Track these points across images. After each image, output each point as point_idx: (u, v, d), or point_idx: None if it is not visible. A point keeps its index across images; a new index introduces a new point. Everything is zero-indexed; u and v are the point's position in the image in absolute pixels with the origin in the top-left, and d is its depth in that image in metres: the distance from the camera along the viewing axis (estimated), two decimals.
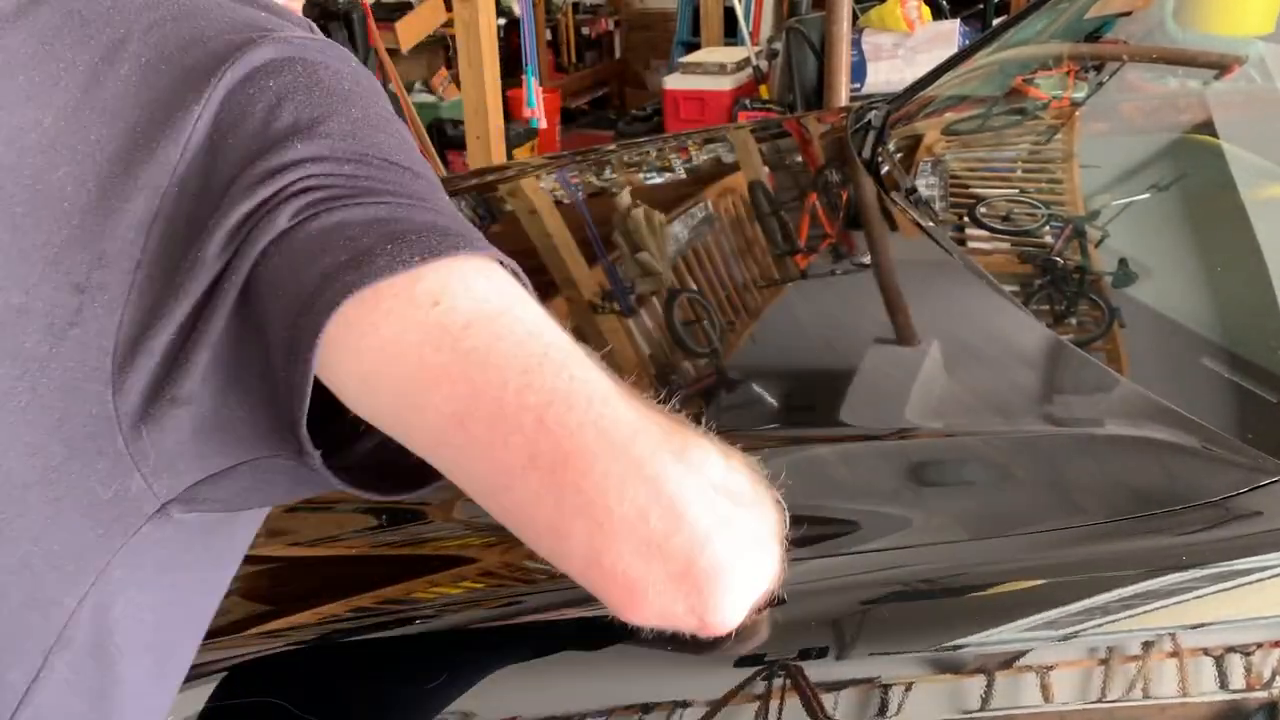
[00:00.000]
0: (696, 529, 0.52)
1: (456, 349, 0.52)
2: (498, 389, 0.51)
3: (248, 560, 1.04)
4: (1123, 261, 1.36)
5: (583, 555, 0.53)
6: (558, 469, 0.51)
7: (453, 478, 0.55)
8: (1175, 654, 0.84)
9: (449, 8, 4.43)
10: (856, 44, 4.46)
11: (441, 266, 0.53)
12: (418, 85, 5.47)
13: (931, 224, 1.46)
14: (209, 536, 0.62)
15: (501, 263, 0.57)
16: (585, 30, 7.25)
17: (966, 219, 1.59)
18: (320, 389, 0.53)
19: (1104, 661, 0.84)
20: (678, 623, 0.54)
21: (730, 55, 5.06)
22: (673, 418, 0.57)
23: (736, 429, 1.18)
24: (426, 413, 0.52)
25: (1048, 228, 1.52)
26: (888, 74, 4.40)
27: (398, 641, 0.87)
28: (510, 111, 4.58)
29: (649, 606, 0.53)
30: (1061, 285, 1.37)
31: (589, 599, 0.86)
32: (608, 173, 1.98)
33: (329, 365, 0.52)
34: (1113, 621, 0.85)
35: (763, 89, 4.83)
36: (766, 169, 1.96)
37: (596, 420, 0.52)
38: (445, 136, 5.02)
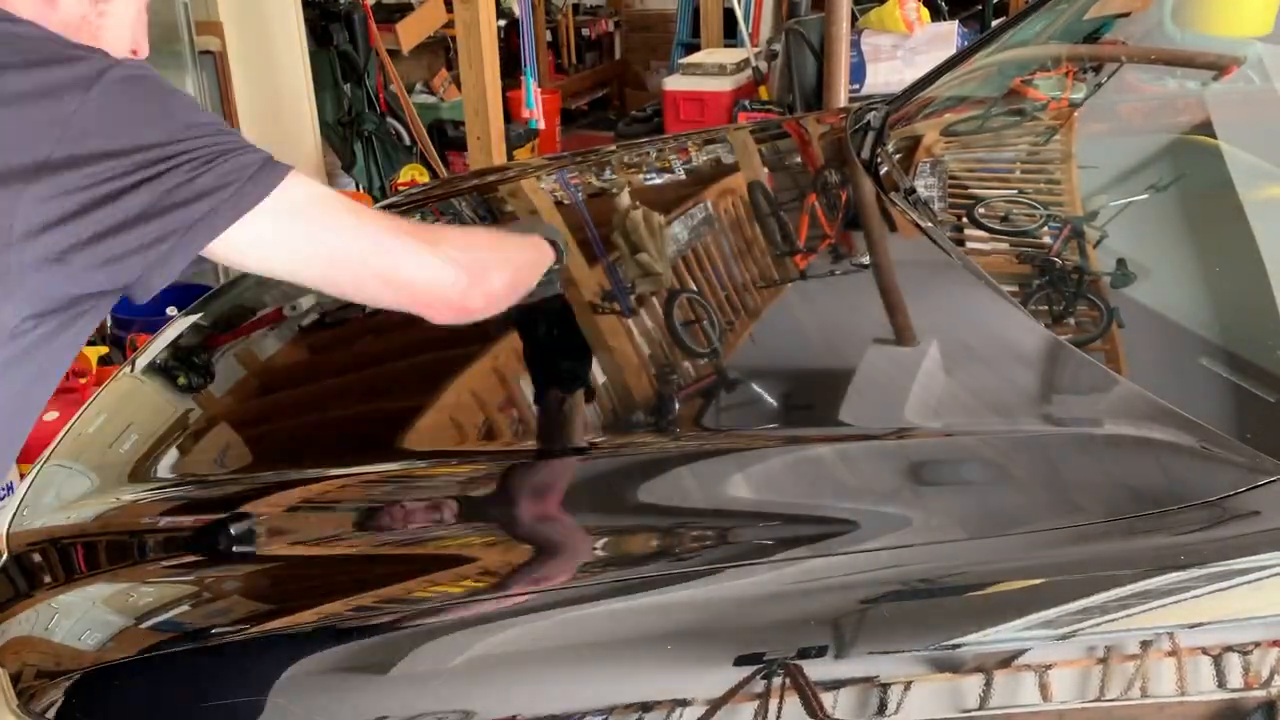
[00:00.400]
0: (447, 270, 0.98)
1: (313, 231, 0.88)
2: (353, 260, 0.92)
3: (249, 559, 1.04)
4: (1121, 262, 1.36)
5: (396, 300, 0.97)
6: (403, 286, 0.96)
7: (325, 290, 0.96)
8: (1173, 653, 0.85)
9: (449, 9, 4.44)
10: (856, 45, 4.47)
11: (283, 188, 0.84)
12: (418, 86, 5.48)
13: (930, 224, 1.46)
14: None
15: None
16: (585, 31, 7.26)
17: (965, 219, 1.59)
18: None
19: (1102, 661, 0.84)
20: (470, 305, 1.01)
21: (730, 56, 5.07)
22: (421, 224, 1.19)
23: (737, 429, 1.18)
24: (311, 268, 0.90)
25: (1046, 228, 1.53)
26: (887, 75, 4.40)
27: (398, 641, 0.87)
28: (511, 112, 4.58)
29: (454, 302, 0.99)
30: (1060, 285, 1.37)
31: (588, 598, 0.86)
32: (608, 173, 1.98)
33: (224, 252, 0.83)
34: (1111, 621, 0.85)
35: (762, 90, 4.84)
36: (766, 170, 1.96)
37: (386, 234, 0.93)
38: (446, 137, 5.02)
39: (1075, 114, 1.78)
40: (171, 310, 3.11)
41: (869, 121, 1.89)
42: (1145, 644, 0.85)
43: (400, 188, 4.38)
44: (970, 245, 1.50)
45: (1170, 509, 0.93)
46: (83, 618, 0.98)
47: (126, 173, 0.73)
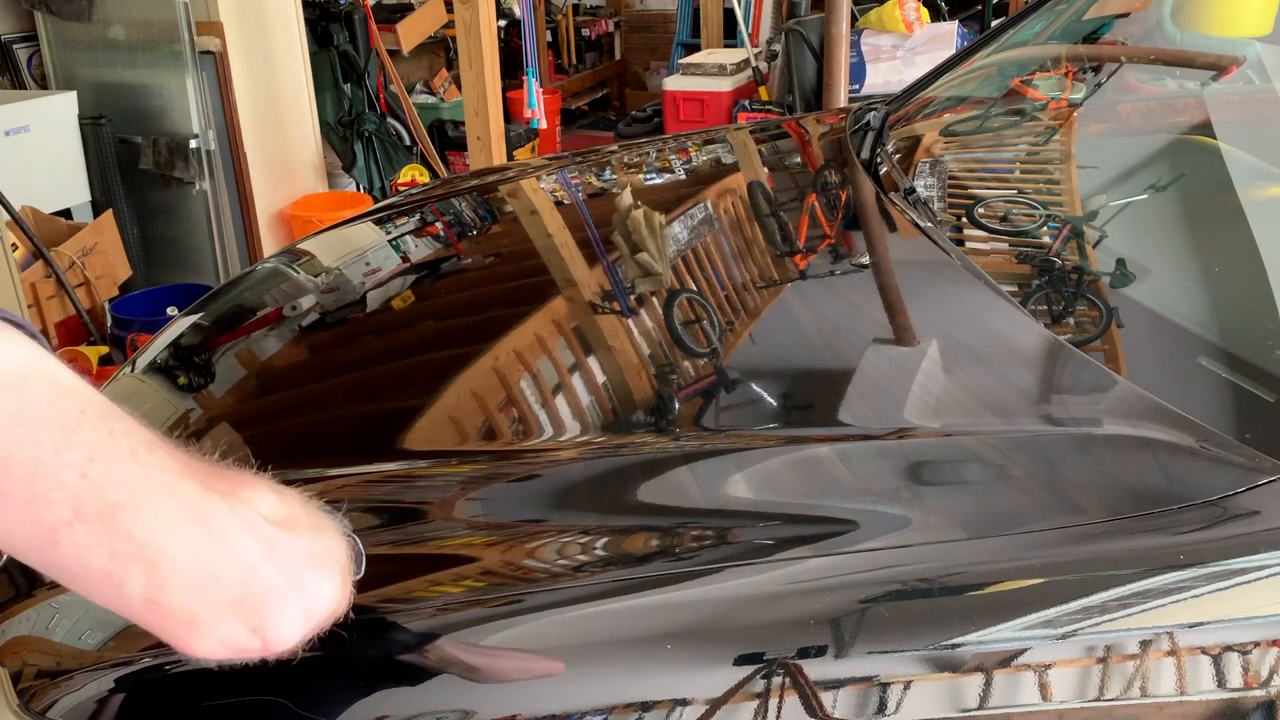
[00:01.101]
0: (248, 556, 0.57)
1: None
2: (33, 448, 0.52)
3: None
4: (1120, 262, 1.36)
5: (141, 596, 0.55)
6: (106, 519, 0.53)
7: None
8: (1173, 653, 0.85)
9: (449, 9, 4.44)
10: (855, 45, 4.47)
11: None
12: (418, 86, 5.48)
13: (930, 224, 1.46)
14: None
15: (19, 325, 0.57)
16: (585, 31, 7.27)
17: (965, 219, 1.59)
18: None
19: (1102, 660, 0.84)
20: (241, 646, 0.58)
21: (730, 57, 5.08)
22: (219, 465, 0.61)
23: (736, 429, 1.18)
24: None
25: (1046, 228, 1.53)
26: (886, 75, 4.41)
27: (398, 640, 0.87)
28: (511, 112, 4.58)
29: (211, 635, 0.57)
30: (1059, 285, 1.37)
31: (588, 598, 0.86)
32: (608, 173, 1.98)
33: None
34: (1110, 620, 0.85)
35: (762, 90, 4.84)
36: (766, 170, 1.96)
37: (142, 469, 0.55)
38: (446, 137, 5.03)
39: (1075, 114, 1.78)
40: (171, 310, 3.12)
41: (869, 121, 1.89)
42: (1145, 644, 0.85)
43: (400, 188, 4.39)
44: (970, 245, 1.50)
45: (1170, 509, 0.93)
46: (83, 617, 0.98)
47: None
